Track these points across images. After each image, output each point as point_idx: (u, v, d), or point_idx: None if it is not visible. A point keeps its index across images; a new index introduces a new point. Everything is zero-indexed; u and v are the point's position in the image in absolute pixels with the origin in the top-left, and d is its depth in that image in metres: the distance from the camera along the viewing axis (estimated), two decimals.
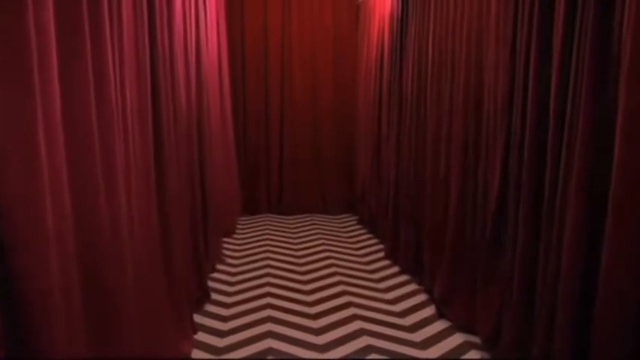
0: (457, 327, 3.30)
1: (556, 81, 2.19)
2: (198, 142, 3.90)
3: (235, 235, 5.49)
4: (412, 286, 4.04)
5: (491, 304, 2.93)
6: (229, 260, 4.65)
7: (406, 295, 3.87)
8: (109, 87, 1.82)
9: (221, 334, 3.26)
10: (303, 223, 6.02)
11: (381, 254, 4.84)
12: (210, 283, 4.04)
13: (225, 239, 5.24)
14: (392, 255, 4.65)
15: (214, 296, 3.80)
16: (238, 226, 5.85)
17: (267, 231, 5.66)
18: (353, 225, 5.96)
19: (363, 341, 3.15)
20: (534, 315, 2.41)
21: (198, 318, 3.41)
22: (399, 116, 4.63)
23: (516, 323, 2.56)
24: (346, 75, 6.49)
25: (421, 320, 3.45)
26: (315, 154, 6.57)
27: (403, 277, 4.24)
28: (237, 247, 5.05)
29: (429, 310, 3.59)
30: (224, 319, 3.46)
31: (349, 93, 6.50)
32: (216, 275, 4.25)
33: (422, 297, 3.83)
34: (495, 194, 2.78)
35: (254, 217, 6.33)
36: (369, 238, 5.40)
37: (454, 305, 3.37)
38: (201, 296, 3.60)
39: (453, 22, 3.41)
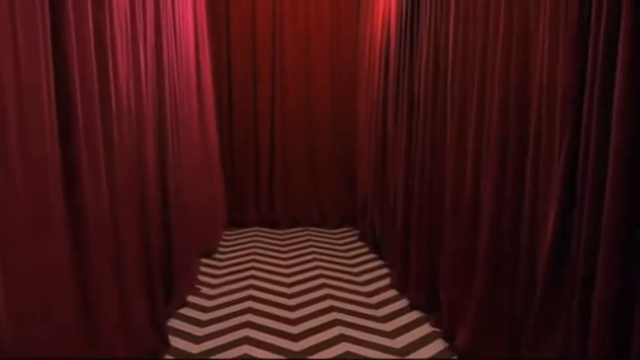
0: None
1: None
2: (159, 146, 3.11)
3: (217, 255, 4.68)
4: (425, 328, 3.24)
5: None
6: (205, 290, 3.85)
7: (419, 342, 3.06)
8: None
9: None
10: (296, 239, 5.21)
11: (387, 281, 4.04)
12: (176, 323, 3.25)
13: (204, 260, 4.46)
14: (400, 284, 3.84)
15: (177, 343, 3.00)
16: (222, 243, 5.05)
17: (254, 250, 4.86)
18: (353, 242, 5.15)
19: None
20: None
21: None
22: (409, 115, 3.82)
23: None
24: (346, 68, 5.66)
25: None
26: (310, 159, 5.74)
27: (414, 315, 3.43)
28: (216, 272, 4.25)
29: None
30: None
31: (349, 88, 5.66)
32: (184, 312, 3.45)
33: (439, 345, 3.02)
34: (553, 225, 1.97)
35: (241, 230, 5.52)
36: (371, 260, 4.59)
37: None
38: (157, 347, 2.80)
39: None
